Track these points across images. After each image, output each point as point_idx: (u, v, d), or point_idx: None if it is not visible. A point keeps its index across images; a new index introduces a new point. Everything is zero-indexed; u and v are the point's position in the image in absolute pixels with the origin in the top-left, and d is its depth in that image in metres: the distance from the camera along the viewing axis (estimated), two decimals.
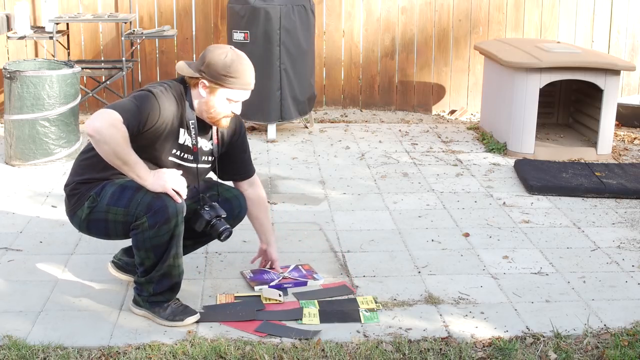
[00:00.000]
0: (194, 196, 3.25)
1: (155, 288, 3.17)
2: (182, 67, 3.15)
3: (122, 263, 3.50)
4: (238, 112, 3.18)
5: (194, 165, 3.22)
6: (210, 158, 3.31)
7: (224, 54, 3.09)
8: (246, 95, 3.16)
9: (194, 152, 3.19)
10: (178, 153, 3.16)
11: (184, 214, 3.09)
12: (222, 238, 3.27)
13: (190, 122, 3.14)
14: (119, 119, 2.89)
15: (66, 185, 3.26)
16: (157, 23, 6.90)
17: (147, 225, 3.02)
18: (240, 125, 3.41)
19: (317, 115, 6.93)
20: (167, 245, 3.08)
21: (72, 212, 3.24)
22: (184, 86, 3.16)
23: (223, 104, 3.11)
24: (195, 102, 3.14)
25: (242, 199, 3.46)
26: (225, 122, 3.18)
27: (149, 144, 3.06)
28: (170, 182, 3.01)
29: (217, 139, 3.30)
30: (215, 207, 3.26)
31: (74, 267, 3.74)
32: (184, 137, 3.16)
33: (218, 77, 3.07)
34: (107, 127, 2.87)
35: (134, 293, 3.27)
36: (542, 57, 5.58)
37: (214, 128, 3.27)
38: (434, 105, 7.25)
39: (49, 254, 3.90)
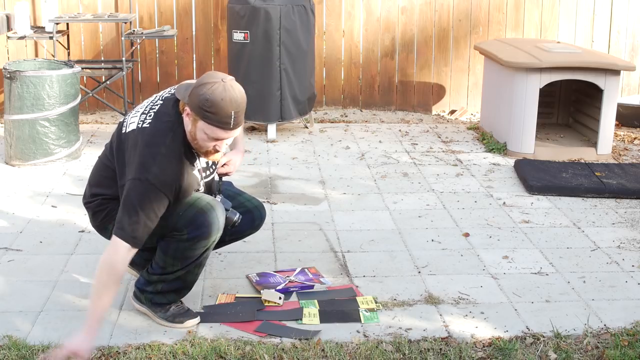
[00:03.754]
0: None
1: (164, 287, 3.16)
2: (179, 89, 2.98)
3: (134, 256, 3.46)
4: (221, 150, 2.96)
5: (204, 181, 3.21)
6: (212, 169, 3.26)
7: (210, 85, 2.83)
8: (224, 134, 2.88)
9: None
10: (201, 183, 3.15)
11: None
12: (235, 227, 3.27)
13: (192, 154, 3.02)
14: (125, 256, 2.87)
15: (89, 202, 3.23)
16: (157, 23, 6.90)
17: (186, 238, 3.02)
18: None
19: (317, 115, 6.93)
20: (197, 258, 3.10)
21: (101, 227, 3.25)
22: (180, 114, 2.98)
23: (204, 138, 2.89)
24: (185, 127, 2.97)
25: (262, 210, 3.46)
26: (212, 157, 3.00)
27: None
28: (73, 346, 2.76)
29: None
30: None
31: (74, 267, 3.74)
32: (198, 169, 3.11)
33: (196, 109, 2.84)
34: (107, 269, 2.85)
35: (135, 287, 3.27)
36: (542, 57, 5.58)
37: None
38: (434, 105, 7.25)
39: (49, 254, 3.90)
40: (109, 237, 3.26)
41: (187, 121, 2.92)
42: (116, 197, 3.13)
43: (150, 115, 2.99)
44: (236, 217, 3.23)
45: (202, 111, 2.83)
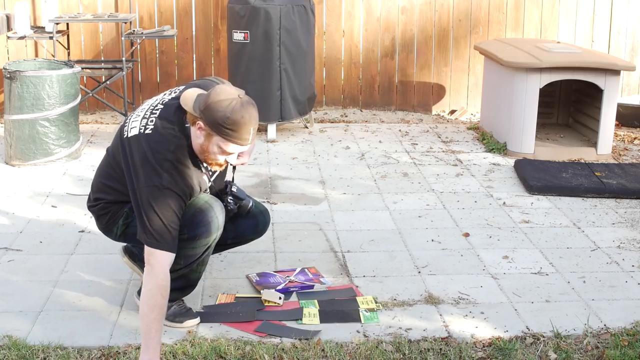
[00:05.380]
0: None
1: None
2: (187, 100, 2.90)
3: (137, 250, 3.41)
4: (233, 162, 3.00)
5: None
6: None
7: (228, 101, 2.82)
8: (240, 148, 2.92)
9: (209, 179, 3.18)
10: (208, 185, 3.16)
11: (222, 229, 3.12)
12: (250, 213, 3.33)
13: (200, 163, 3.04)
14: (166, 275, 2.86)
15: (93, 206, 3.23)
16: (157, 23, 6.90)
17: (187, 237, 3.02)
18: None
19: (317, 115, 6.93)
20: (199, 256, 3.11)
21: (106, 229, 3.26)
22: (184, 123, 2.96)
23: (216, 152, 2.90)
24: (194, 139, 2.95)
25: (267, 216, 3.44)
26: (217, 168, 3.05)
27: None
28: None
29: None
30: (236, 193, 3.25)
31: (74, 267, 3.74)
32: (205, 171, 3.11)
33: (214, 126, 2.82)
34: (159, 289, 2.84)
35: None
36: (542, 57, 5.58)
37: None
38: (434, 105, 7.25)
39: (49, 254, 3.90)
40: (114, 238, 3.29)
41: (198, 134, 2.89)
42: (117, 201, 3.16)
43: (151, 121, 2.97)
44: (250, 203, 3.31)
45: (221, 128, 2.82)
